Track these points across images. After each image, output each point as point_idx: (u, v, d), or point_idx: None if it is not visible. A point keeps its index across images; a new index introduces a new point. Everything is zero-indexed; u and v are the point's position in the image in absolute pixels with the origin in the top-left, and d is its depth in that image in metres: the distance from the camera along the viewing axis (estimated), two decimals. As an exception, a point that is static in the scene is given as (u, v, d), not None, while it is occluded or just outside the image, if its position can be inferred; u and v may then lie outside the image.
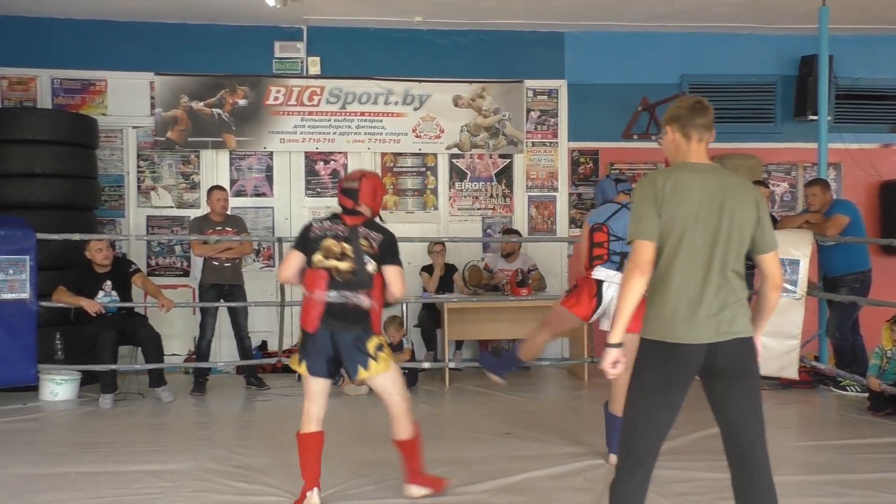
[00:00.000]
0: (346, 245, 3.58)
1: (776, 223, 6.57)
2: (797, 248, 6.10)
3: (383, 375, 3.62)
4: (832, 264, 6.39)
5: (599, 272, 4.38)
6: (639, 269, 2.65)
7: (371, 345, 3.56)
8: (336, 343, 3.53)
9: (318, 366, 3.57)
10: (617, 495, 2.74)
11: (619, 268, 4.27)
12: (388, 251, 3.63)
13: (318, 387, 3.65)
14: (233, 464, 4.43)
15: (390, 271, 3.60)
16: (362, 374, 3.55)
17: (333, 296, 3.54)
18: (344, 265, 3.56)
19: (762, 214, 2.74)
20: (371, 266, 3.57)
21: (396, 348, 6.71)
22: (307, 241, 3.65)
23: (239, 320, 6.59)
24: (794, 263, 6.08)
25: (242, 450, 4.73)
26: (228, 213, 6.79)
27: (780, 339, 6.10)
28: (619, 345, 2.71)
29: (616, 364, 2.72)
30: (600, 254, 4.39)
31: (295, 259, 3.66)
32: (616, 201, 4.60)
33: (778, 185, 8.25)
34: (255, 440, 5.08)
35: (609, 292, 4.30)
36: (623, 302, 2.67)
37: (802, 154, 8.05)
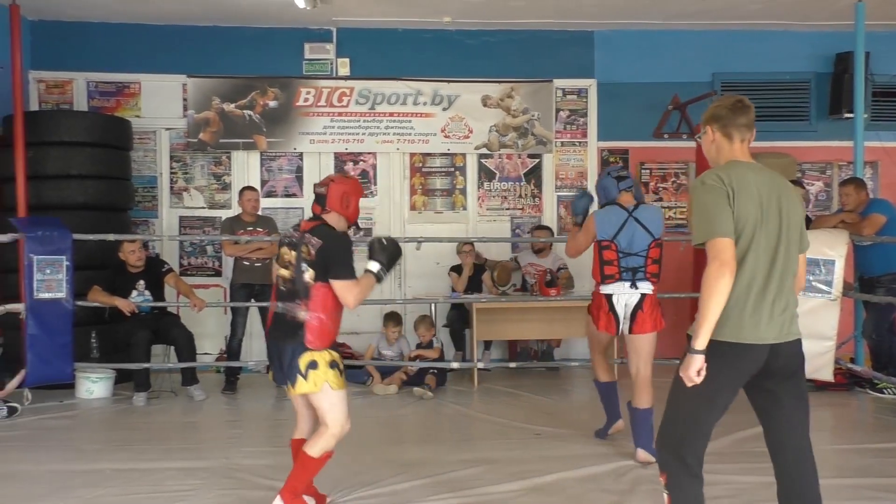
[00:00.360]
0: (292, 252, 3.41)
1: (810, 223, 6.47)
2: (832, 248, 6.00)
3: (314, 396, 3.36)
4: (869, 264, 6.27)
5: (607, 287, 4.46)
6: (727, 268, 2.53)
7: (303, 361, 3.31)
8: (279, 355, 3.40)
9: (278, 375, 3.45)
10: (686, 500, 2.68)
11: (633, 283, 4.45)
12: (328, 259, 3.32)
13: (294, 397, 3.54)
14: (263, 462, 4.47)
15: (335, 285, 3.32)
16: (290, 390, 3.38)
17: (280, 306, 3.43)
18: (286, 273, 3.42)
19: (804, 214, 2.77)
20: (308, 275, 3.32)
21: (426, 347, 6.74)
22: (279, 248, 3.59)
23: None
24: (829, 264, 5.98)
25: (273, 448, 4.77)
26: (259, 213, 6.85)
27: (815, 341, 5.99)
28: (703, 351, 2.56)
29: (701, 371, 2.58)
30: (612, 273, 4.47)
31: (273, 268, 3.62)
32: (620, 203, 4.53)
33: (812, 185, 8.12)
34: (286, 439, 5.09)
35: (620, 303, 4.50)
36: (712, 304, 2.53)
37: (837, 153, 7.92)
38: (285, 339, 3.36)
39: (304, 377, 3.30)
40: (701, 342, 2.55)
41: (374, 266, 3.49)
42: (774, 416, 2.78)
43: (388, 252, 3.54)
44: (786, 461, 2.79)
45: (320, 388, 3.33)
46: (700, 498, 2.70)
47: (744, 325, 2.60)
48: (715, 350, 2.58)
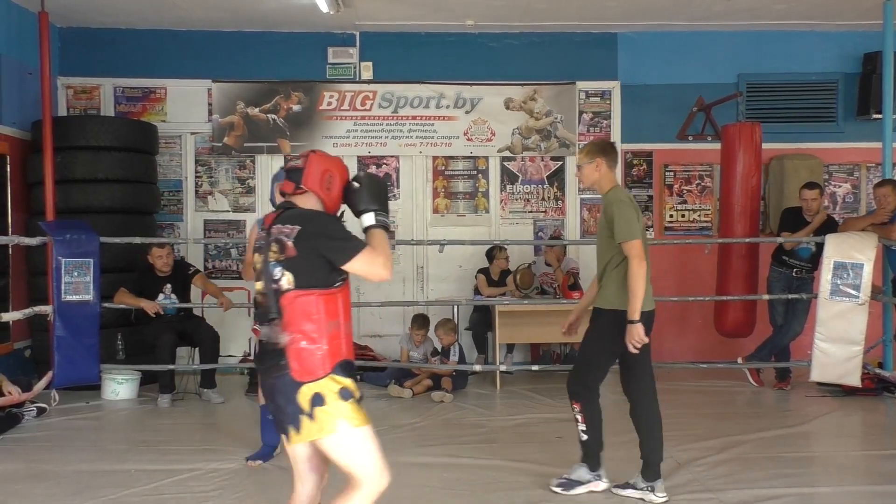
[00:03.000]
0: (258, 257, 2.60)
1: (837, 225, 6.38)
2: (861, 251, 5.91)
3: (329, 442, 2.49)
4: (900, 267, 6.18)
5: None
6: (644, 260, 3.79)
7: (302, 398, 2.46)
8: (271, 396, 2.57)
9: (277, 421, 2.61)
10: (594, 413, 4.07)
11: None
12: (319, 246, 2.49)
13: (294, 451, 2.64)
14: (287, 464, 4.48)
15: (351, 267, 2.51)
16: (293, 437, 2.50)
17: (264, 330, 2.56)
18: (260, 285, 2.58)
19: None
20: (286, 280, 2.48)
21: (443, 354, 6.70)
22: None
23: None
24: (858, 267, 5.90)
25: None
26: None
27: (843, 345, 5.92)
28: (640, 320, 3.78)
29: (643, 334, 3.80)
30: None
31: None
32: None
33: (840, 186, 8.01)
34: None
35: None
36: (641, 286, 3.75)
37: (866, 154, 7.80)
38: (267, 374, 2.55)
39: (311, 417, 2.46)
40: (637, 314, 3.74)
41: (370, 217, 2.65)
42: (628, 360, 3.96)
43: (372, 190, 2.68)
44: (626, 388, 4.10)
45: (335, 428, 2.47)
46: (599, 409, 4.04)
47: (647, 299, 3.82)
48: (625, 317, 3.77)
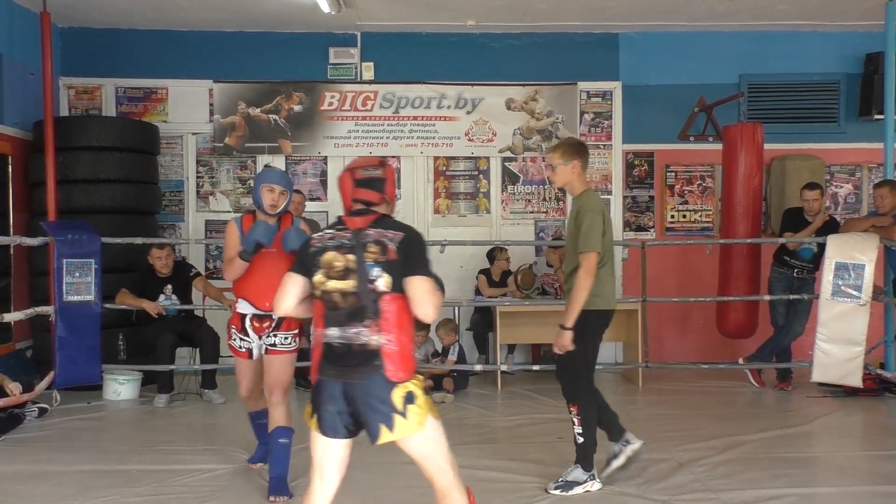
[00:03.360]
0: (349, 257, 2.61)
1: (839, 226, 6.38)
2: (862, 252, 5.91)
3: (417, 436, 2.61)
4: (901, 268, 6.18)
5: None
6: (593, 275, 3.91)
7: (396, 397, 2.56)
8: (349, 396, 2.60)
9: (331, 421, 2.62)
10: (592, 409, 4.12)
11: None
12: (411, 254, 2.61)
13: (331, 452, 2.67)
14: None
15: (416, 284, 2.58)
16: (386, 435, 2.57)
17: (333, 333, 2.61)
18: (344, 286, 2.60)
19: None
20: (383, 282, 2.57)
21: (443, 354, 6.70)
22: (306, 258, 2.70)
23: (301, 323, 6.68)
24: (859, 268, 5.89)
25: (296, 451, 4.79)
26: (303, 216, 6.87)
27: (844, 346, 5.92)
28: (573, 328, 3.93)
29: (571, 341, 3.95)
30: None
31: (291, 285, 2.72)
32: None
33: (842, 187, 8.00)
34: (307, 439, 5.13)
35: None
36: (583, 298, 3.89)
37: (867, 154, 7.80)
38: (353, 375, 2.57)
39: (404, 415, 2.56)
40: (572, 321, 3.90)
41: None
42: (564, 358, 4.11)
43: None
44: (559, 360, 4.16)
45: (425, 425, 2.59)
46: (595, 411, 4.11)
47: (609, 298, 4.04)
48: (600, 316, 4.03)
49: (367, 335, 2.57)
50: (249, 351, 4.06)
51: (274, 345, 4.01)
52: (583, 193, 4.03)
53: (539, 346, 7.63)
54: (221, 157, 7.85)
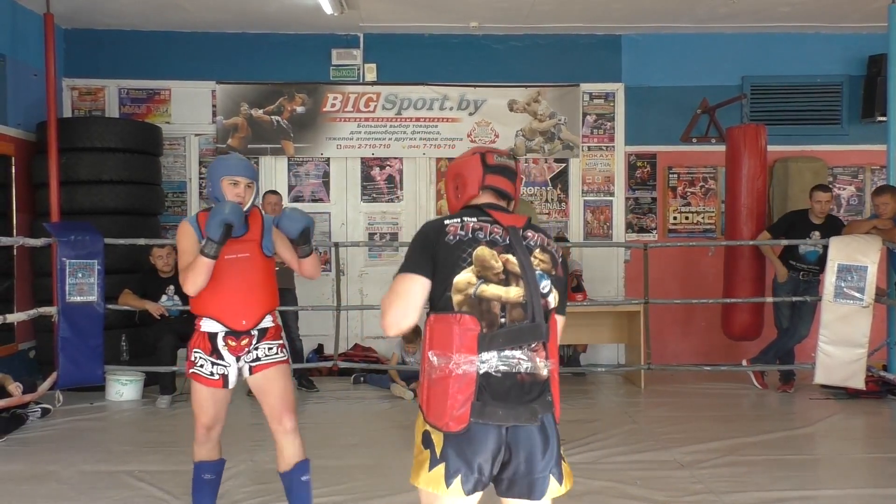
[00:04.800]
0: (510, 258, 2.05)
1: (843, 227, 6.37)
2: (865, 254, 5.90)
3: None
4: (903, 270, 6.17)
5: None
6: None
7: (557, 436, 2.08)
8: (512, 443, 2.00)
9: (476, 474, 2.00)
10: None
11: None
12: (566, 276, 2.21)
13: None
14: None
15: (561, 321, 2.19)
16: (555, 490, 2.06)
17: (490, 359, 1.98)
18: (514, 295, 2.02)
19: None
20: (553, 297, 2.10)
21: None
22: (439, 252, 2.04)
23: (289, 324, 6.68)
24: (862, 270, 5.89)
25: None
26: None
27: (847, 348, 5.91)
28: None
29: None
30: None
31: (414, 290, 2.05)
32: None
33: (844, 189, 7.99)
34: (311, 442, 5.13)
35: None
36: None
37: (870, 157, 7.79)
38: (525, 415, 1.99)
39: (561, 477, 2.07)
40: None
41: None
42: None
43: None
44: None
45: (568, 487, 2.12)
46: None
47: None
48: None
49: (536, 362, 2.01)
50: (225, 378, 3.19)
51: (258, 359, 3.20)
52: None
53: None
54: (224, 159, 7.85)
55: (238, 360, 3.20)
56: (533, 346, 2.02)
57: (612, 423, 5.49)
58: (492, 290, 2.01)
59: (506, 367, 1.98)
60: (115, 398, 6.31)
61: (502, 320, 2.00)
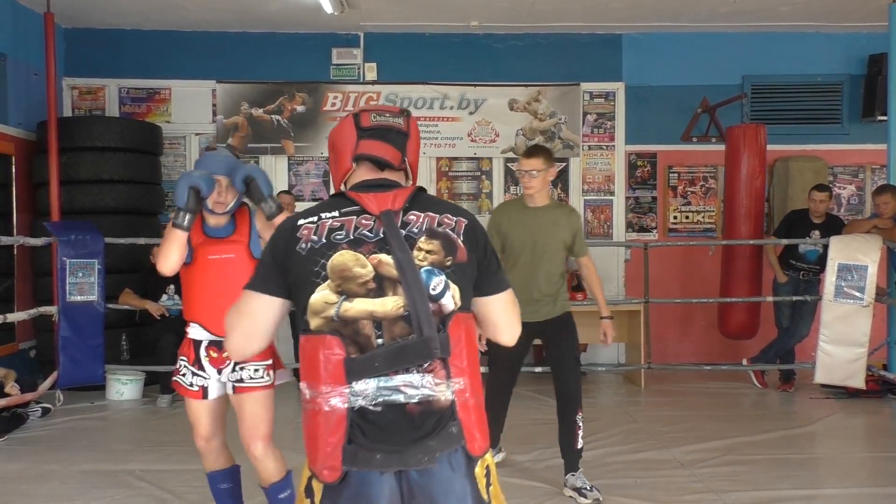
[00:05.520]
0: (383, 259, 1.61)
1: (843, 227, 6.38)
2: (865, 253, 5.90)
3: None
4: (904, 269, 6.17)
5: None
6: None
7: (480, 476, 1.62)
8: (410, 492, 1.55)
9: None
10: None
11: None
12: (488, 253, 1.73)
13: None
14: (291, 464, 4.48)
15: (504, 299, 1.75)
16: None
17: (366, 390, 1.55)
18: (387, 305, 1.58)
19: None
20: (450, 296, 1.63)
21: None
22: (291, 265, 1.64)
23: (296, 322, 6.69)
24: (862, 269, 5.89)
25: (296, 451, 4.78)
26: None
27: (847, 347, 5.91)
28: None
29: None
30: None
31: (257, 311, 1.70)
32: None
33: (844, 188, 7.99)
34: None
35: None
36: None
37: (871, 156, 7.79)
38: (416, 456, 1.53)
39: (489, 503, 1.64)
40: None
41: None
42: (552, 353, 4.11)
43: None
44: (558, 376, 4.05)
45: None
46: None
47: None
48: None
49: (431, 386, 1.56)
50: (204, 389, 3.08)
51: (242, 380, 3.03)
52: (555, 201, 4.28)
53: (542, 347, 7.62)
54: (224, 158, 7.84)
55: (220, 373, 3.05)
56: (425, 365, 1.56)
57: (613, 422, 5.49)
58: (358, 306, 1.56)
59: (388, 399, 1.53)
60: (116, 397, 6.31)
61: (378, 340, 1.55)
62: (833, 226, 6.33)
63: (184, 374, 3.11)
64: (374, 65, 7.84)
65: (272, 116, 7.78)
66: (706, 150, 7.87)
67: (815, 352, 6.07)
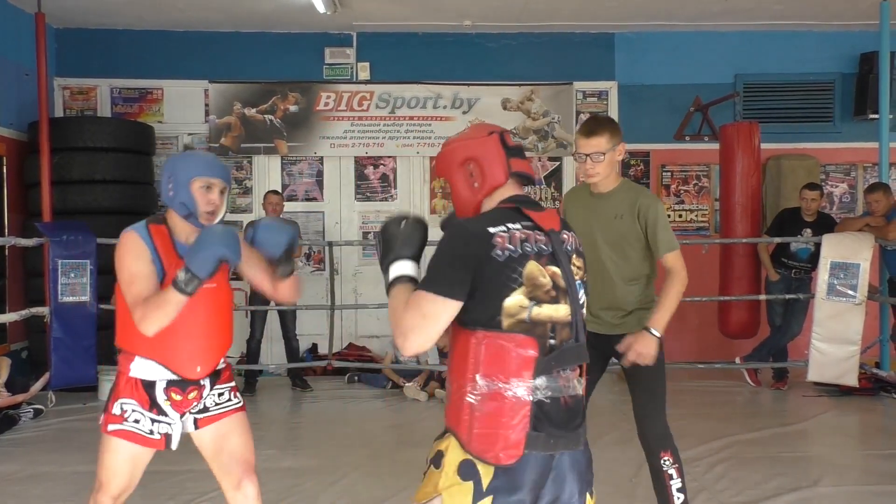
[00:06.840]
0: (556, 271, 1.83)
1: (835, 225, 6.40)
2: (857, 251, 5.92)
3: None
4: (896, 267, 6.20)
5: None
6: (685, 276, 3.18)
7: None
8: (557, 473, 1.84)
9: None
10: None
11: None
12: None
13: None
14: (284, 465, 4.48)
15: None
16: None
17: (541, 384, 1.79)
18: (560, 311, 1.83)
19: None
20: (585, 307, 1.95)
21: (442, 356, 6.69)
22: (485, 269, 1.77)
23: (287, 323, 6.68)
24: (854, 267, 5.91)
25: (293, 450, 4.79)
26: (282, 217, 6.89)
27: (840, 346, 5.93)
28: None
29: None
30: None
31: (444, 315, 1.78)
32: None
33: (837, 187, 8.02)
34: (304, 441, 5.14)
35: None
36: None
37: (862, 154, 7.82)
38: (577, 441, 1.88)
39: (592, 491, 2.02)
40: (664, 327, 3.02)
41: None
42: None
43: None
44: (636, 393, 3.17)
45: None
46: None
47: None
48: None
49: (577, 383, 1.87)
50: (167, 437, 2.59)
51: (206, 409, 2.60)
52: (625, 184, 3.22)
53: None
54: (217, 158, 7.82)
55: (182, 416, 2.59)
56: (575, 367, 1.86)
57: (607, 420, 5.49)
58: (545, 311, 1.79)
59: (554, 392, 1.80)
60: (109, 398, 6.29)
61: (552, 342, 1.80)
62: (825, 224, 6.35)
63: (136, 421, 2.52)
64: (367, 64, 7.83)
65: (265, 116, 7.77)
66: (699, 148, 7.89)
67: (808, 350, 6.09)
